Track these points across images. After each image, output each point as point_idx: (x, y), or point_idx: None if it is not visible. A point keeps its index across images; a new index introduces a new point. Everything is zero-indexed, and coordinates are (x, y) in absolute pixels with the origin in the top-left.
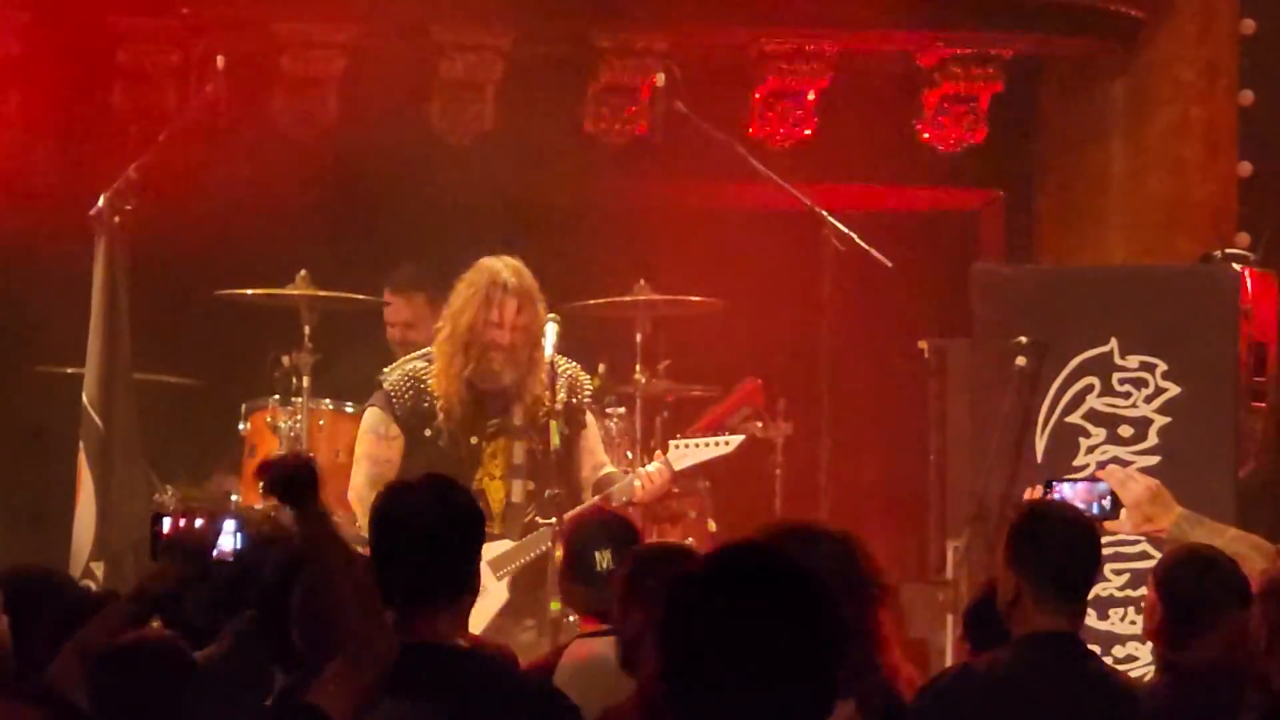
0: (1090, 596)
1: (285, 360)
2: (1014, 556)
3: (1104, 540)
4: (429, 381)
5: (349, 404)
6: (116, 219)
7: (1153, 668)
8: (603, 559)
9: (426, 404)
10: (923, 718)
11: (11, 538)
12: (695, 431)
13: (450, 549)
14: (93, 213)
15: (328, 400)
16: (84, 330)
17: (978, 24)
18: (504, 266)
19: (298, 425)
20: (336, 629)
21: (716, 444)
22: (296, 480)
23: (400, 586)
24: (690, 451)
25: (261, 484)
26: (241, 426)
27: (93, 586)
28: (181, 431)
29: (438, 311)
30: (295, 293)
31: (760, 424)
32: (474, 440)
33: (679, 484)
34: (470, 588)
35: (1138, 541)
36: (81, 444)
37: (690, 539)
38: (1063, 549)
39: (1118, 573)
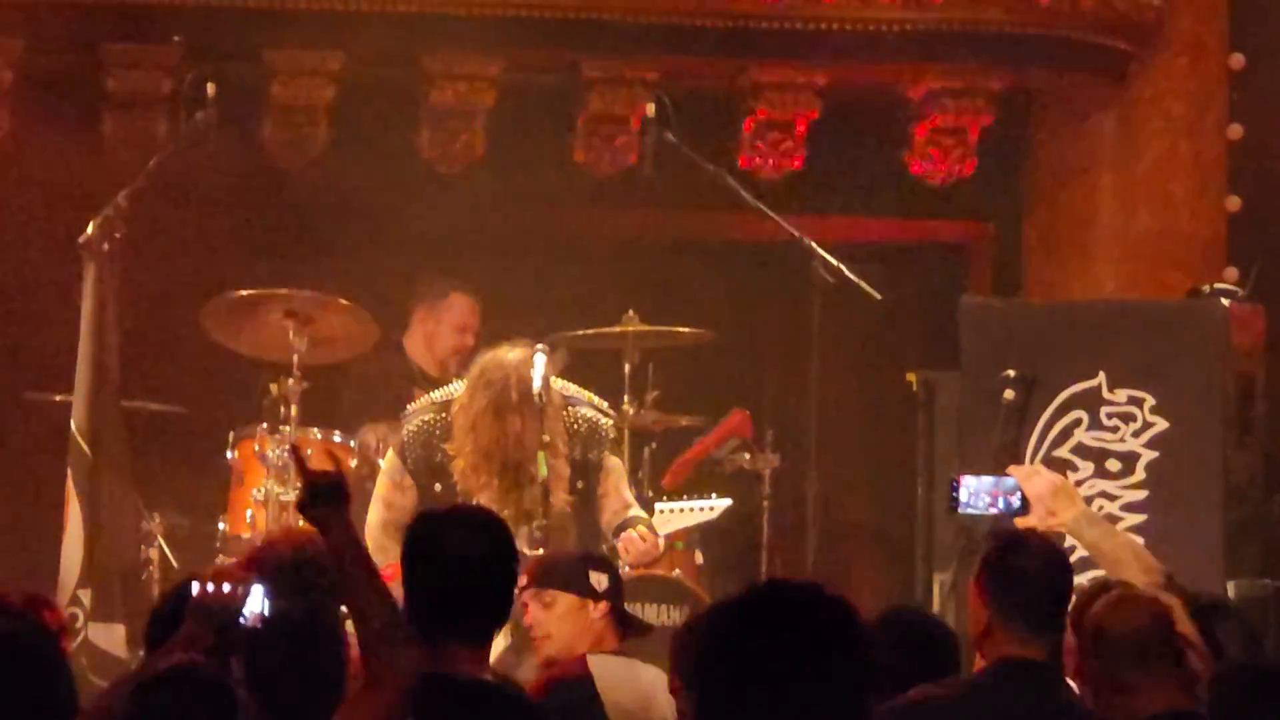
0: None
1: (274, 388)
2: (985, 589)
3: None
4: (441, 435)
5: (337, 432)
6: (106, 246)
7: None
8: None
9: (438, 459)
10: None
11: None
12: (683, 468)
13: (492, 585)
14: (82, 240)
15: (316, 429)
16: (72, 358)
17: (967, 57)
18: (514, 376)
19: (286, 454)
20: (360, 649)
21: (701, 510)
22: (328, 495)
23: (437, 620)
24: (675, 517)
25: (298, 499)
26: (229, 455)
27: (80, 615)
28: (170, 460)
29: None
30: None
31: (748, 455)
32: (482, 499)
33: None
34: (502, 622)
35: None
36: (69, 471)
37: (677, 571)
38: (1034, 582)
39: None
